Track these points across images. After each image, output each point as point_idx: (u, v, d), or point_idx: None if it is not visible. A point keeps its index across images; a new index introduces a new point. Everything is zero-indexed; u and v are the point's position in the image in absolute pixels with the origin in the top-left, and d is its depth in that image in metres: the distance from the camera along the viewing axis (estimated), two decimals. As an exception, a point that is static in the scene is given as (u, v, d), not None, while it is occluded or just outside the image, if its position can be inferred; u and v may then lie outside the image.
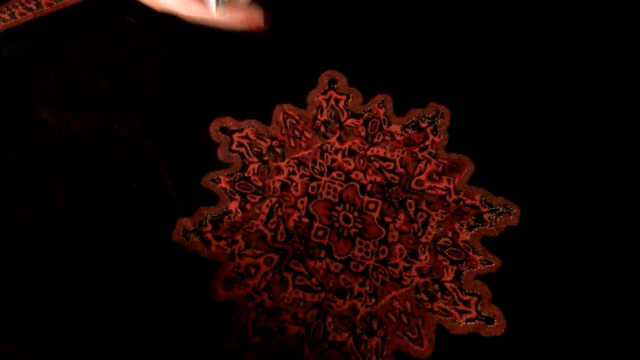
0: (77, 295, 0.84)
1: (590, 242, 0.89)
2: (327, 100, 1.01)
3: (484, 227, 0.90)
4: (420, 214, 0.92)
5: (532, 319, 0.84)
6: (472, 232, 0.90)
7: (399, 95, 1.02)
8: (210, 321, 0.83)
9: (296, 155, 0.96)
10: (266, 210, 0.91)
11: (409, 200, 0.93)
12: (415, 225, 0.91)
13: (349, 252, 0.88)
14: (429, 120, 0.99)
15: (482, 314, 0.84)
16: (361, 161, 0.96)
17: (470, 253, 0.88)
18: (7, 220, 0.89)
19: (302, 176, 0.94)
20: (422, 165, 0.96)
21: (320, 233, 0.89)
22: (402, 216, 0.91)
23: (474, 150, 0.96)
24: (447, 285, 0.86)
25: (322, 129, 0.98)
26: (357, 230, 0.90)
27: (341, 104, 1.01)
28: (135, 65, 1.03)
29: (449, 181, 0.94)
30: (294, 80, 1.03)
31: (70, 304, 0.83)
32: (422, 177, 0.95)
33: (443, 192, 0.93)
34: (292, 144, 0.97)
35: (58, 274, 0.85)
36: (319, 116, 1.00)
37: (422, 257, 0.88)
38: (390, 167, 0.95)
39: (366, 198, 0.93)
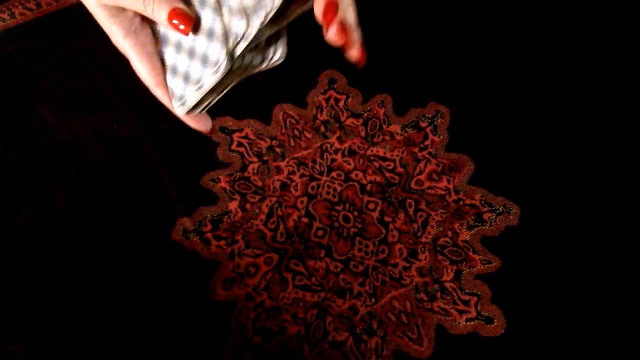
0: (77, 294, 0.84)
1: (589, 242, 0.89)
2: (327, 100, 1.01)
3: (484, 227, 0.90)
4: (420, 214, 0.91)
5: (532, 319, 0.84)
6: (472, 232, 0.90)
7: (399, 95, 1.02)
8: (210, 321, 0.83)
9: (296, 155, 0.96)
10: (266, 210, 0.91)
11: (409, 200, 0.92)
12: (415, 225, 0.91)
13: (349, 252, 0.88)
14: (429, 120, 0.99)
15: (482, 314, 0.84)
16: (361, 161, 0.96)
17: (471, 253, 0.88)
18: (7, 220, 0.89)
19: (302, 176, 0.94)
20: (422, 165, 0.96)
21: (320, 233, 0.89)
22: (402, 216, 0.91)
23: (474, 150, 0.96)
24: (447, 285, 0.86)
25: (322, 129, 0.98)
26: (357, 230, 0.90)
27: (341, 104, 1.01)
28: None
29: (449, 181, 0.94)
30: (294, 80, 1.03)
31: (70, 303, 0.83)
32: (422, 177, 0.95)
33: (443, 192, 0.93)
34: (292, 144, 0.97)
35: (58, 273, 0.85)
36: (319, 116, 1.00)
37: (422, 257, 0.88)
38: (390, 167, 0.95)
39: (366, 198, 0.93)
